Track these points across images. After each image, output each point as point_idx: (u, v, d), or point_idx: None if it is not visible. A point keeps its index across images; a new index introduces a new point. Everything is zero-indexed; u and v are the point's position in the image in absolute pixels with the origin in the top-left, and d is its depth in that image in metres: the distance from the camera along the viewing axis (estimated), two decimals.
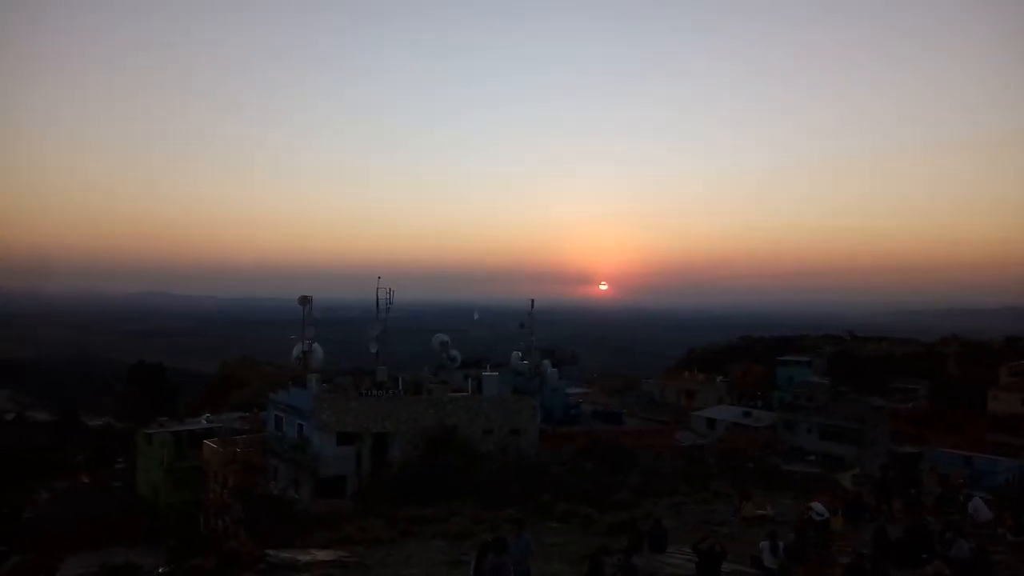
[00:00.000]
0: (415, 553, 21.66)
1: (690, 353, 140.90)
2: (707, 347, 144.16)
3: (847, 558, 17.20)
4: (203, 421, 64.38)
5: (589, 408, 63.15)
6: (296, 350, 47.69)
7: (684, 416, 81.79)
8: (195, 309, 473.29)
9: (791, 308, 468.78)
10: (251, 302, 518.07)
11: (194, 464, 53.46)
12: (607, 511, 26.83)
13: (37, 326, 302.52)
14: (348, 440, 42.67)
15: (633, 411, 76.60)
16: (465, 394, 47.52)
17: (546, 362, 58.35)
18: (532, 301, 58.78)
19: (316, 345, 47.55)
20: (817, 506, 20.88)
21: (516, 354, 59.18)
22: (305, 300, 47.30)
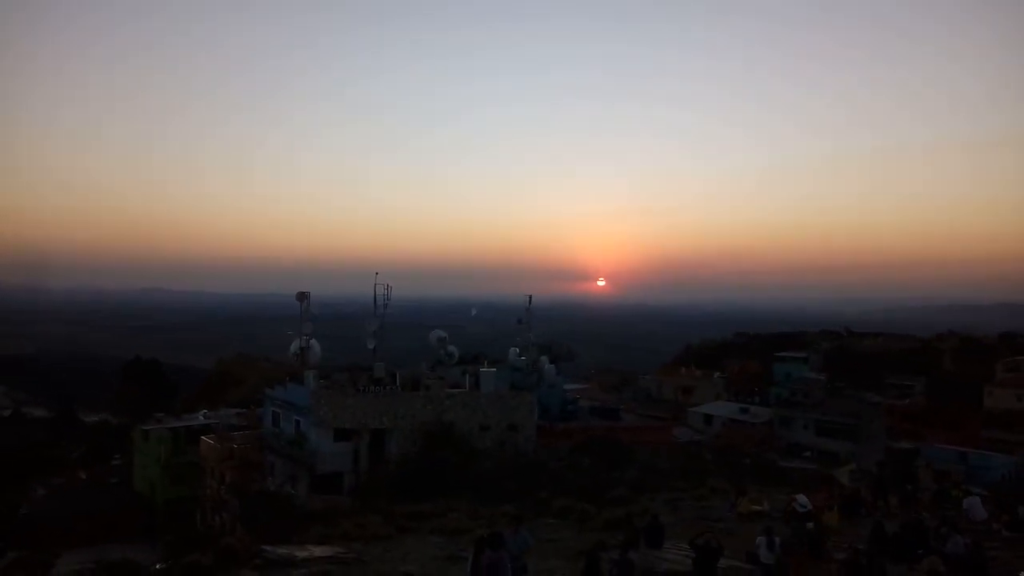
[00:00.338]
0: (412, 549, 21.66)
1: (687, 349, 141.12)
2: (704, 343, 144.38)
3: (843, 554, 17.25)
4: (200, 417, 64.35)
5: (586, 404, 63.19)
6: (293, 346, 47.68)
7: (681, 412, 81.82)
8: (192, 305, 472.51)
9: (788, 304, 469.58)
10: (248, 298, 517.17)
11: (191, 460, 53.42)
12: (604, 507, 26.83)
13: (34, 322, 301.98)
14: (345, 436, 42.67)
15: (630, 407, 76.53)
16: (462, 390, 47.52)
17: (543, 358, 58.35)
18: (530, 297, 58.76)
19: (313, 341, 47.53)
20: (801, 498, 21.01)
21: (514, 350, 59.17)
22: (303, 296, 47.27)
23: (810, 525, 20.02)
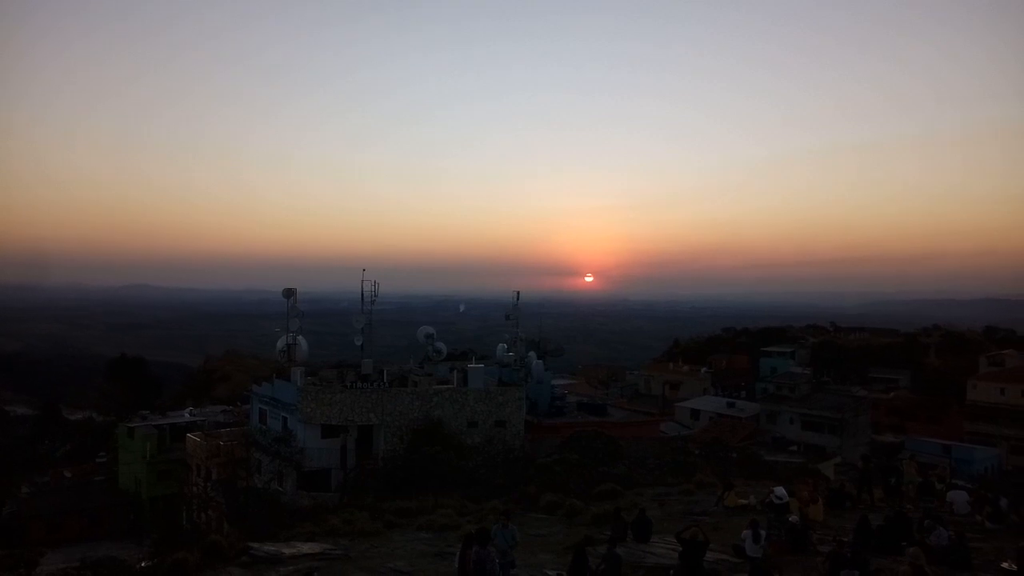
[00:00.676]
0: (400, 545, 21.64)
1: (675, 345, 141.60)
2: (691, 339, 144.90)
3: (828, 546, 17.38)
4: (186, 415, 64.10)
5: (574, 400, 63.26)
6: (280, 343, 47.45)
7: (669, 407, 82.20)
8: (178, 302, 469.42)
9: (775, 300, 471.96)
10: (235, 295, 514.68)
11: (177, 457, 53.20)
12: (592, 502, 26.92)
13: (19, 320, 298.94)
14: (333, 433, 42.56)
15: (618, 402, 76.82)
16: (450, 386, 47.49)
17: (532, 354, 58.35)
18: (518, 293, 58.72)
19: (300, 338, 47.33)
20: (778, 490, 21.13)
21: (502, 346, 59.14)
22: (290, 292, 47.04)
23: (795, 518, 20.14)
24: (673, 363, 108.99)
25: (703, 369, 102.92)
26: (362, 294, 47.44)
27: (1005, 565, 17.60)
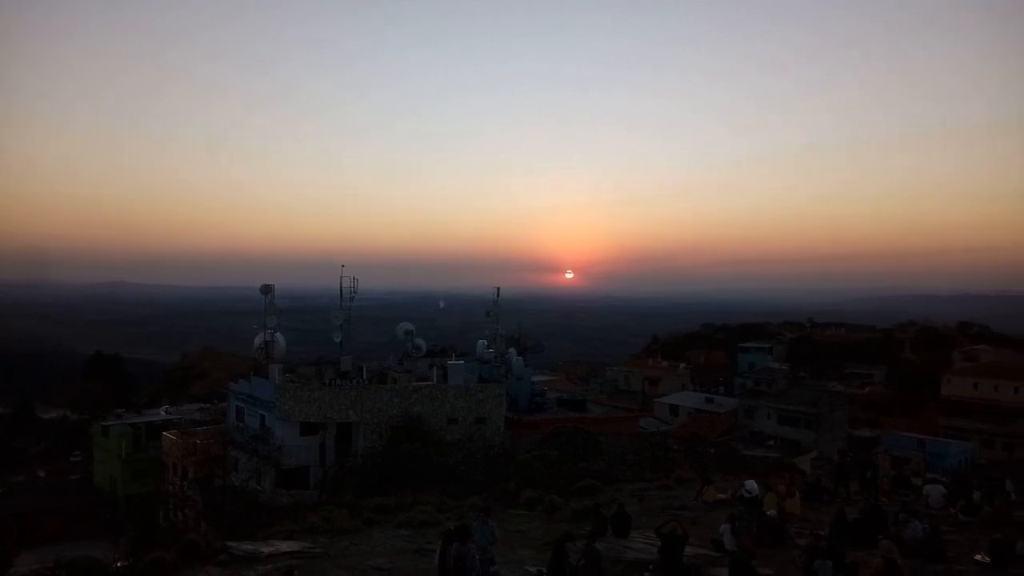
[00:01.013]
0: (380, 543, 21.56)
1: (654, 341, 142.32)
2: (670, 335, 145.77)
3: (805, 540, 17.55)
4: (162, 412, 63.49)
5: (554, 396, 63.39)
6: (258, 340, 47.06)
7: (648, 403, 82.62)
8: (154, 299, 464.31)
9: (752, 296, 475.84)
10: (212, 291, 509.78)
11: (153, 456, 52.69)
12: (572, 498, 26.98)
13: None
14: (311, 430, 42.32)
15: (598, 398, 77.05)
16: (430, 383, 47.39)
17: (512, 350, 58.38)
18: (498, 289, 58.73)
19: (278, 335, 46.98)
20: (749, 483, 21.33)
21: (482, 342, 59.12)
22: (267, 289, 46.66)
23: (772, 512, 20.32)
24: (652, 359, 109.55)
25: (682, 365, 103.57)
26: (341, 290, 47.15)
27: (978, 557, 17.89)
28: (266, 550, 19.25)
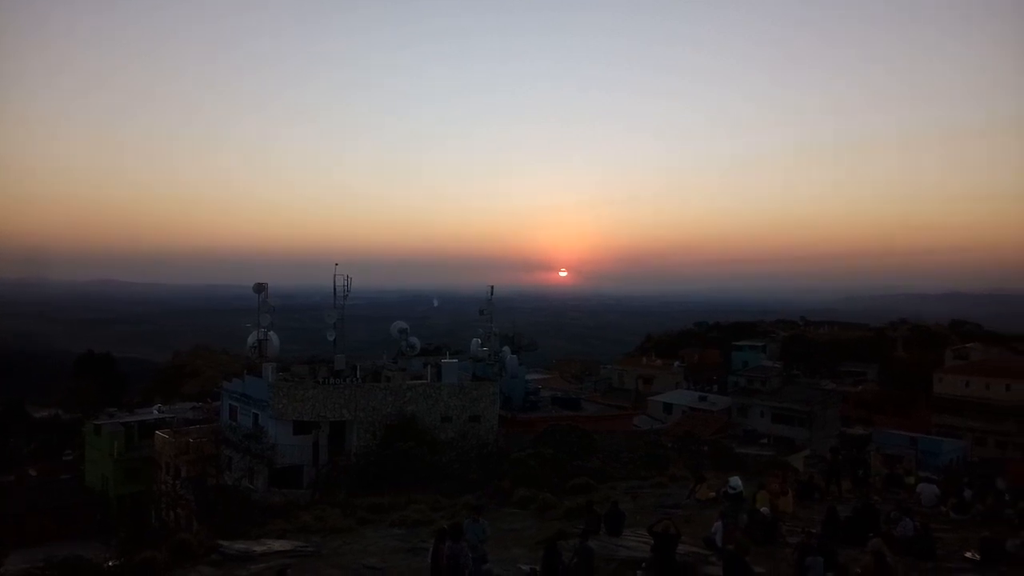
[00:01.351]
0: (373, 541, 21.52)
1: (647, 339, 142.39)
2: (663, 333, 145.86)
3: (797, 538, 17.59)
4: (154, 411, 63.26)
5: (548, 394, 63.45)
6: (251, 338, 47.00)
7: (642, 401, 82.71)
8: (147, 297, 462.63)
9: (745, 295, 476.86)
10: (205, 290, 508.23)
11: (145, 455, 52.48)
12: (565, 496, 26.98)
13: None
14: (305, 429, 42.25)
15: (592, 397, 77.16)
16: (424, 381, 47.36)
17: (505, 349, 58.42)
18: (491, 288, 58.77)
19: (272, 333, 46.92)
20: (733, 480, 21.44)
21: (476, 341, 59.15)
22: (261, 287, 46.58)
23: (765, 510, 20.36)
24: (646, 357, 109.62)
25: (676, 363, 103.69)
26: (334, 289, 47.12)
27: (969, 555, 17.97)
28: (259, 549, 19.20)
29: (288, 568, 15.11)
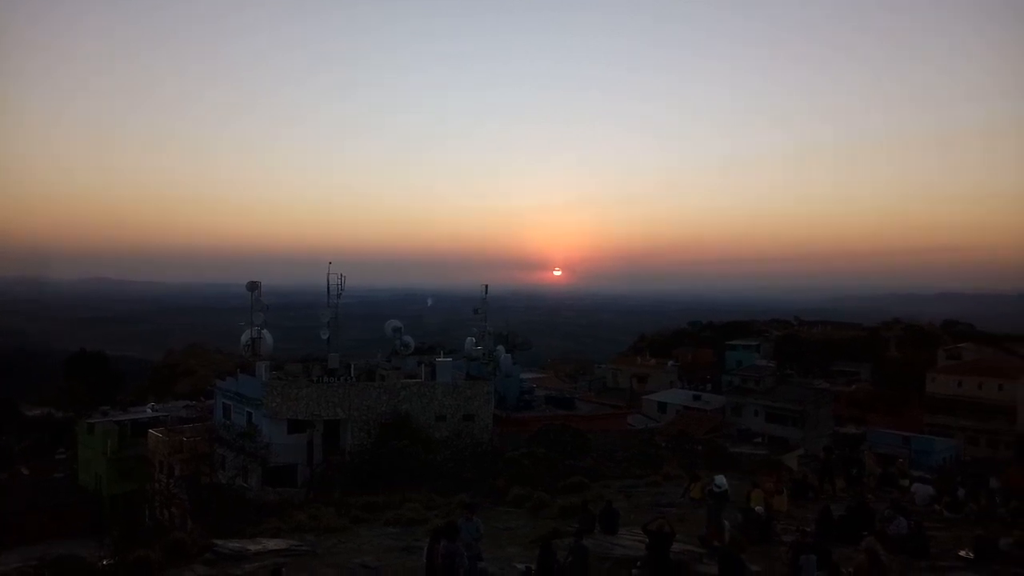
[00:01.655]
0: (367, 540, 21.50)
1: (642, 338, 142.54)
2: (658, 332, 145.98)
3: (792, 536, 17.64)
4: (148, 410, 63.07)
5: (543, 393, 63.50)
6: (245, 337, 46.85)
7: (636, 400, 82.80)
8: (140, 295, 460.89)
9: (739, 294, 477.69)
10: (198, 288, 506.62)
11: (139, 454, 52.29)
12: (559, 495, 27.00)
13: None
14: (299, 428, 42.19)
15: (586, 396, 77.21)
16: (418, 380, 47.33)
17: (500, 348, 58.42)
18: (486, 287, 58.76)
19: (265, 332, 46.78)
20: (718, 478, 21.45)
21: (470, 340, 59.14)
22: (254, 286, 46.44)
23: (760, 509, 20.41)
24: (640, 357, 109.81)
25: (670, 362, 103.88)
26: (328, 287, 47.00)
27: (963, 553, 18.04)
28: (253, 548, 19.16)
29: (283, 567, 15.08)
